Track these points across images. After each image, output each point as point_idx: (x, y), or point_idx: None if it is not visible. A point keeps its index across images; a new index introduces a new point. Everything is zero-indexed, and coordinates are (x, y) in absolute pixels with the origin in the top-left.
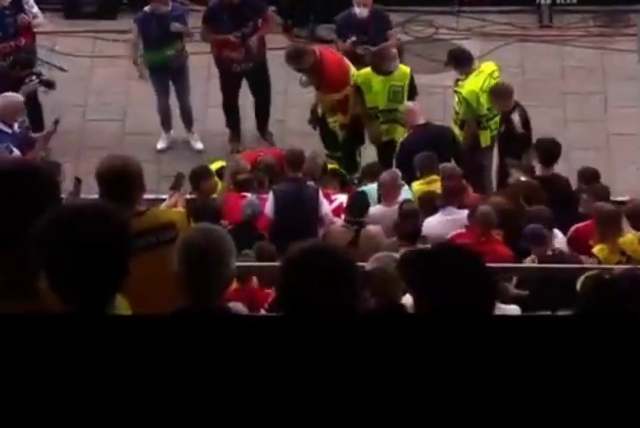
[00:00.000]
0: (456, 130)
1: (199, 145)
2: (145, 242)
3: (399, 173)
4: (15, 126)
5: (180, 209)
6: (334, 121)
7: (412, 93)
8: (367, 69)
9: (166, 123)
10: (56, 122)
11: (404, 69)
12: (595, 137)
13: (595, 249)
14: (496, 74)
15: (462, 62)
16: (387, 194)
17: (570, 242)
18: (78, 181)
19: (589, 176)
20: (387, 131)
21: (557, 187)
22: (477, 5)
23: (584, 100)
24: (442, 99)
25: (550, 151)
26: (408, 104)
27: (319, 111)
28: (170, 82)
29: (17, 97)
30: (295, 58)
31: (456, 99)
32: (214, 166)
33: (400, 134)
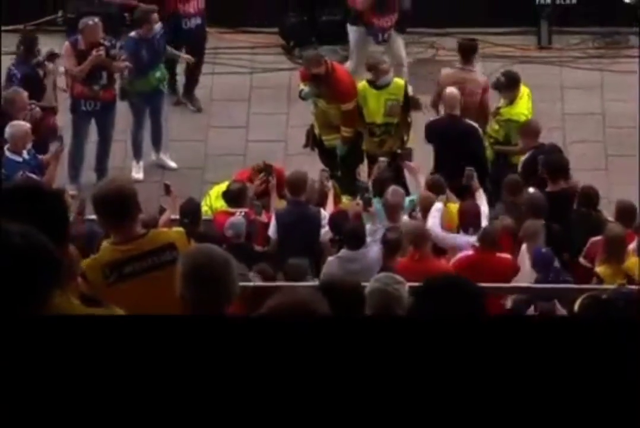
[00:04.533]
0: (490, 155)
1: (172, 164)
2: (147, 264)
3: (403, 191)
4: (24, 153)
5: (179, 229)
6: (332, 139)
7: (409, 107)
8: (363, 82)
9: (140, 152)
10: (60, 142)
11: (399, 82)
12: (595, 157)
13: (599, 269)
14: (530, 95)
15: (512, 86)
16: (391, 213)
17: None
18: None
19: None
20: (380, 144)
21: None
22: (478, 27)
23: (584, 120)
24: None
25: (558, 165)
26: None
27: (315, 131)
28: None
29: (24, 125)
30: (316, 63)
31: (496, 126)
32: (220, 188)
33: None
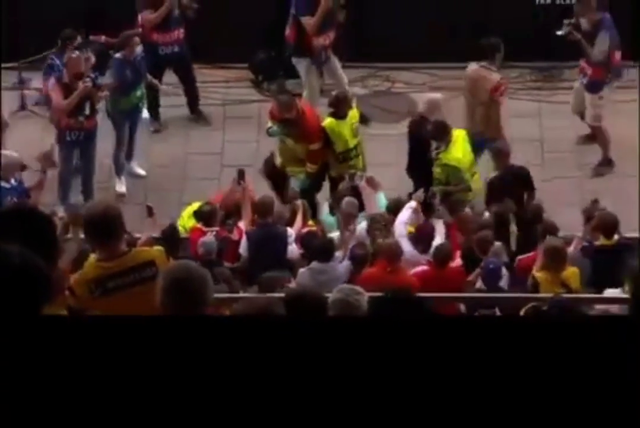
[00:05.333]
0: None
1: (142, 172)
2: (129, 279)
3: (357, 203)
4: (12, 180)
5: (160, 247)
6: (297, 171)
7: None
8: (331, 120)
9: (122, 168)
10: (44, 170)
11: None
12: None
13: (538, 274)
14: (466, 137)
15: (442, 134)
16: (345, 223)
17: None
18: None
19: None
20: (351, 166)
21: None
22: (430, 62)
23: (525, 146)
24: (395, 146)
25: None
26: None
27: (276, 161)
28: None
29: (16, 157)
30: (289, 107)
31: (438, 169)
32: (192, 208)
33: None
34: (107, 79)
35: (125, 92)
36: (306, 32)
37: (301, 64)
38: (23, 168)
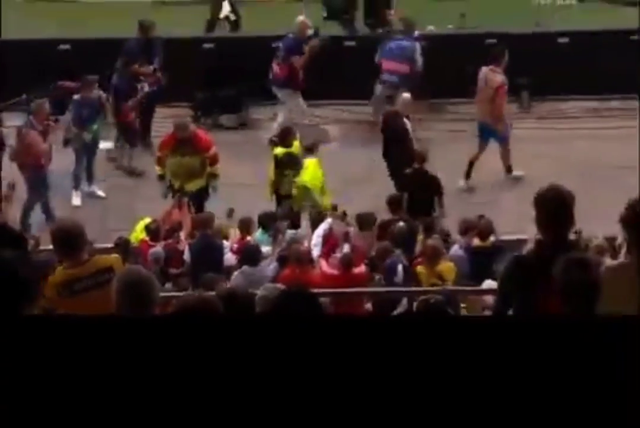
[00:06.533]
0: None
1: (102, 193)
2: (91, 283)
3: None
4: None
5: (116, 255)
6: (195, 184)
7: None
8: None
9: (79, 184)
10: (12, 186)
11: None
12: None
13: (418, 269)
14: (317, 164)
15: (293, 164)
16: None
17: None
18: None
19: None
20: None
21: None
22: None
23: None
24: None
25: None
26: None
27: (173, 182)
28: None
29: None
30: (184, 128)
31: (295, 191)
32: (144, 222)
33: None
34: (67, 116)
35: (83, 126)
36: (295, 68)
37: (287, 94)
38: None
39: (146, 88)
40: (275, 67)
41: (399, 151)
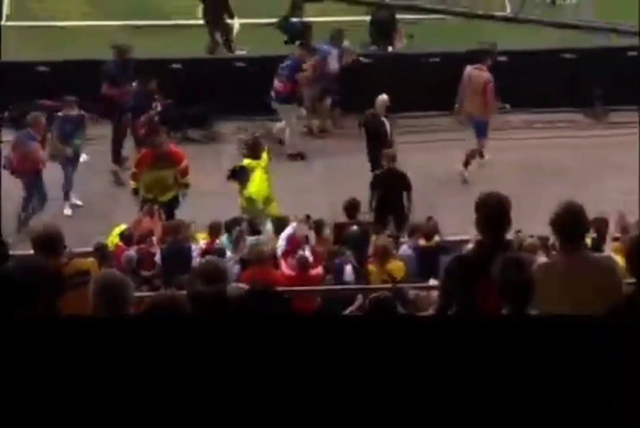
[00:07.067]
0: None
1: (79, 202)
2: (69, 285)
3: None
4: None
5: (93, 259)
6: (168, 195)
7: None
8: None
9: (69, 196)
10: None
11: None
12: None
13: (369, 267)
14: (263, 177)
15: (242, 178)
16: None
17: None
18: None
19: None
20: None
21: None
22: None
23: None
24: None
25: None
26: None
27: (146, 196)
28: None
29: None
30: (162, 145)
31: (244, 202)
32: (119, 229)
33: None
34: (50, 132)
35: (65, 141)
36: (298, 85)
37: (289, 108)
38: None
39: (159, 107)
40: (278, 85)
41: (380, 151)
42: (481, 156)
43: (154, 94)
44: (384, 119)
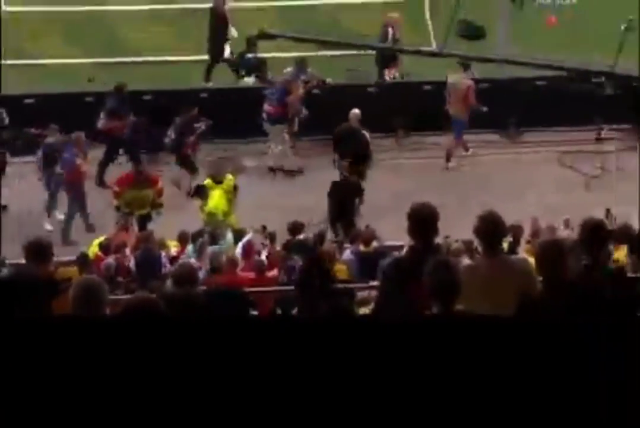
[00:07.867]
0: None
1: (61, 217)
2: (53, 291)
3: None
4: None
5: (75, 268)
6: (146, 210)
7: None
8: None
9: (51, 213)
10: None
11: None
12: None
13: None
14: (222, 195)
15: (200, 195)
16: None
17: None
18: None
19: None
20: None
21: None
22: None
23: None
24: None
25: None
26: None
27: (126, 210)
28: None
29: None
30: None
31: (205, 217)
32: (98, 240)
33: None
34: (38, 155)
35: (49, 163)
36: (287, 107)
37: (279, 129)
38: None
39: (203, 128)
40: (269, 108)
41: (363, 163)
42: (466, 149)
43: (197, 118)
44: (364, 131)
